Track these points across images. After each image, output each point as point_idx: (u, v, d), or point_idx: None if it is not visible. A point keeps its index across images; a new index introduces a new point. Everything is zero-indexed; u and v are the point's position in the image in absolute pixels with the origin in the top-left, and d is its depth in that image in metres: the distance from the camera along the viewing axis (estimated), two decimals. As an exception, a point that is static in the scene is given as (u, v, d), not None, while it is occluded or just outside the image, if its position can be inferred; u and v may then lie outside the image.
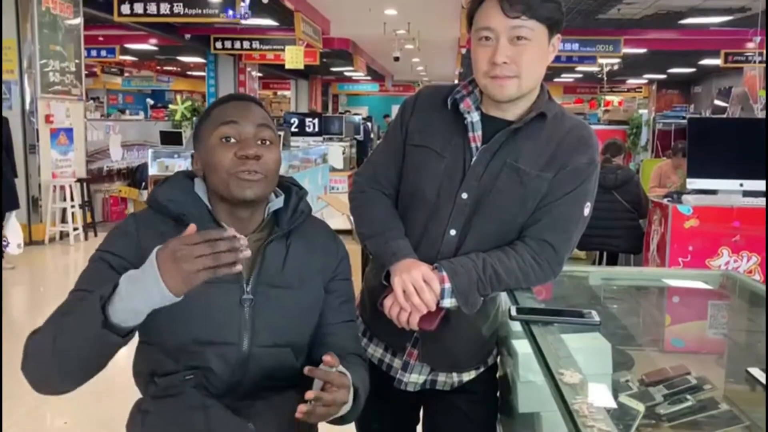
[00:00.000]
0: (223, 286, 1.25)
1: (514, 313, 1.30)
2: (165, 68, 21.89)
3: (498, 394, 1.65)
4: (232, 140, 1.28)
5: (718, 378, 1.64)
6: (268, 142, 1.31)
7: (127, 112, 17.87)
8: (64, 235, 7.75)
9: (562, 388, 0.94)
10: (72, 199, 7.64)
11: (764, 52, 10.73)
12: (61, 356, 1.11)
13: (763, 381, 1.17)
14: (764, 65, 9.82)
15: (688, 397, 1.48)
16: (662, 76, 21.29)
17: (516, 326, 1.42)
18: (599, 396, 0.99)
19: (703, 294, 2.04)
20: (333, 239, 1.45)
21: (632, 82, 23.83)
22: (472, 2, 1.42)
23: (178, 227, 1.25)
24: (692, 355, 2.00)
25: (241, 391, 1.28)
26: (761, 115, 6.80)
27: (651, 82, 23.14)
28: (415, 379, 1.55)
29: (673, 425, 1.43)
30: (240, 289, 1.27)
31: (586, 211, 1.46)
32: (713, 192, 4.16)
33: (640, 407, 1.30)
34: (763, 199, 4.12)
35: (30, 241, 7.47)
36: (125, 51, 15.46)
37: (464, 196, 1.43)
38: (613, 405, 1.14)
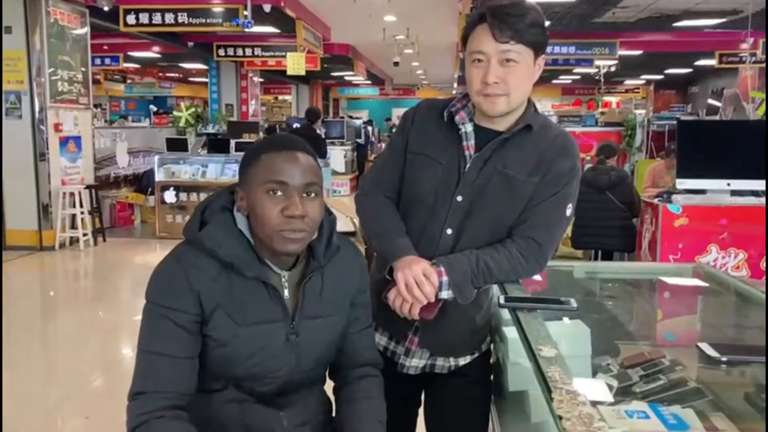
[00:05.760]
0: (272, 326, 1.37)
1: (502, 301, 1.47)
2: (167, 75, 22.08)
3: (492, 377, 1.83)
4: (279, 193, 1.33)
5: (691, 360, 1.81)
6: (313, 194, 1.37)
7: (130, 118, 18.00)
8: (74, 241, 7.92)
9: (539, 361, 1.11)
10: (81, 206, 7.80)
11: (757, 52, 10.89)
12: None
13: (710, 354, 1.35)
14: (760, 66, 9.96)
15: (662, 377, 1.65)
16: (659, 77, 21.43)
17: (506, 315, 1.60)
18: (573, 368, 1.16)
19: (679, 287, 2.22)
20: (358, 256, 1.56)
21: (630, 83, 23.95)
22: (466, 27, 1.61)
23: (224, 267, 1.34)
24: (671, 343, 2.17)
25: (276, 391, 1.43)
26: (753, 116, 6.94)
27: (648, 82, 23.27)
28: (416, 363, 1.72)
29: (648, 401, 1.60)
30: (286, 326, 1.39)
31: (568, 211, 1.63)
32: (702, 192, 4.32)
33: (614, 383, 1.48)
34: (750, 198, 4.29)
35: (41, 247, 7.65)
36: (129, 59, 15.63)
37: (459, 198, 1.60)
38: (586, 375, 1.31)
